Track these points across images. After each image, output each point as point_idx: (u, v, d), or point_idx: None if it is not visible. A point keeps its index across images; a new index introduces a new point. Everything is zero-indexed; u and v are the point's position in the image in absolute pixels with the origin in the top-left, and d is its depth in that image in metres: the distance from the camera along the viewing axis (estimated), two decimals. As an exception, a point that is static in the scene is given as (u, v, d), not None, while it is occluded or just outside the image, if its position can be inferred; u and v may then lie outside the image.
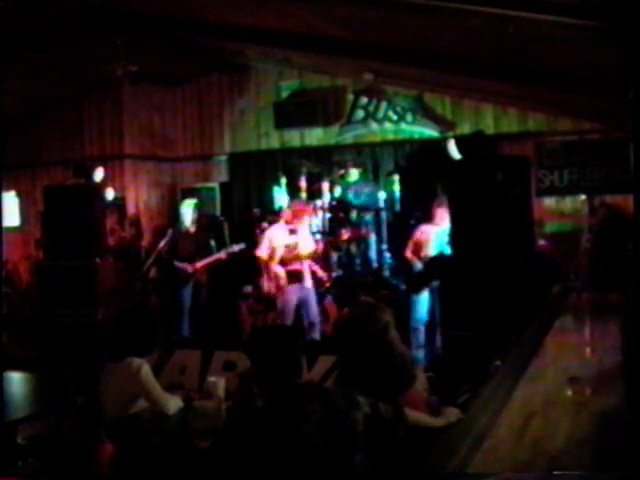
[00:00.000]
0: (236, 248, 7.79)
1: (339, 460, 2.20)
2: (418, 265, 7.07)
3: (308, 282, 7.06)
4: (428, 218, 7.11)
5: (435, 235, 6.90)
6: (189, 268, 7.63)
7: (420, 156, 8.67)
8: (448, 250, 6.53)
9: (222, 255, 7.72)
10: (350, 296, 7.73)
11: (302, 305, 6.99)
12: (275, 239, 7.04)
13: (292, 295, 6.96)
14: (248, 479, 2.23)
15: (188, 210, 7.94)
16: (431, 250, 6.90)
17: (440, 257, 6.56)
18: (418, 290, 6.88)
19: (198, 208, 8.11)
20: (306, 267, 7.05)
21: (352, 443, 2.23)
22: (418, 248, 7.03)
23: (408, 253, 7.15)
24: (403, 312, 7.02)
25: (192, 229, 7.92)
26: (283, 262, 6.97)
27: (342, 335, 2.76)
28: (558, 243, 7.78)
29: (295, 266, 6.98)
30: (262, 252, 7.06)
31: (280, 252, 6.95)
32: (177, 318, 7.60)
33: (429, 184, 8.14)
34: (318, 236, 8.23)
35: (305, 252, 7.00)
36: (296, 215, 7.09)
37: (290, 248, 6.99)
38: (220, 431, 2.53)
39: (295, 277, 6.98)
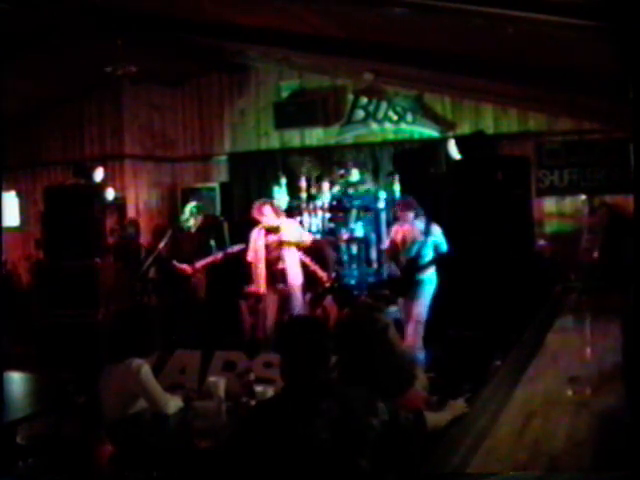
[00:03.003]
0: (235, 248, 7.78)
1: (343, 461, 2.20)
2: (392, 267, 7.04)
3: (293, 282, 7.02)
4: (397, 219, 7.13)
5: (409, 236, 6.83)
6: (188, 269, 7.61)
7: (420, 156, 8.68)
8: (434, 252, 6.51)
9: (219, 255, 7.68)
10: (350, 296, 7.74)
11: (284, 305, 7.01)
12: (253, 241, 7.12)
13: (271, 295, 7.01)
14: (257, 466, 2.24)
15: (190, 213, 7.88)
16: (408, 252, 6.82)
17: (415, 261, 6.52)
18: (401, 295, 6.83)
19: (199, 211, 8.02)
20: (291, 266, 7.02)
21: (360, 447, 2.22)
22: (394, 249, 7.01)
23: (387, 250, 7.18)
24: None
25: (193, 230, 7.91)
26: (268, 262, 7.03)
27: (342, 336, 2.75)
28: (558, 243, 7.78)
29: (278, 266, 7.01)
30: (248, 256, 7.13)
31: (261, 253, 7.03)
32: (176, 318, 7.58)
33: (429, 184, 8.14)
34: (318, 236, 8.24)
35: (287, 249, 6.96)
36: (257, 215, 7.15)
37: (271, 248, 7.03)
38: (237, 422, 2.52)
39: (276, 277, 7.02)
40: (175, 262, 7.65)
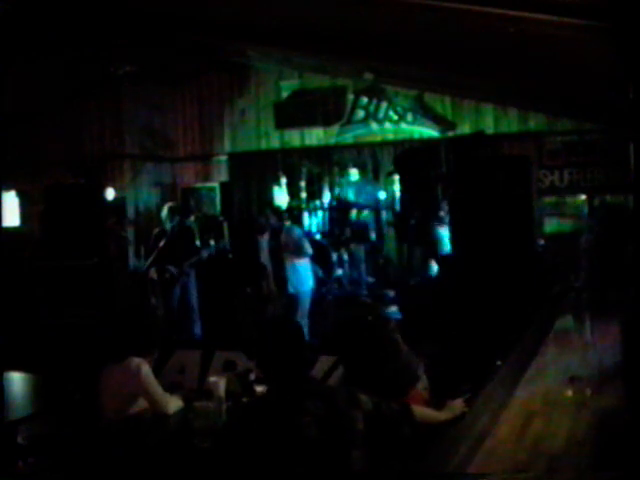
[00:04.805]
0: (224, 246, 7.76)
1: (334, 454, 2.22)
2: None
3: (298, 287, 7.03)
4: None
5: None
6: (174, 270, 7.44)
7: (421, 156, 8.67)
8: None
9: (203, 254, 7.53)
10: (350, 297, 7.74)
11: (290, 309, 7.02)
12: (261, 244, 7.16)
13: (277, 299, 7.08)
14: (246, 465, 2.26)
15: (165, 213, 7.66)
16: None
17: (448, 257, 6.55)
18: None
19: (175, 212, 7.77)
20: (297, 271, 7.03)
21: (349, 440, 2.25)
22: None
23: None
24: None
25: (176, 230, 7.65)
26: (274, 266, 7.10)
27: (350, 336, 2.76)
28: (558, 243, 7.78)
29: (283, 270, 7.04)
30: (258, 258, 7.23)
31: (266, 257, 7.09)
32: (169, 319, 7.48)
33: (429, 184, 8.13)
34: (318, 236, 8.24)
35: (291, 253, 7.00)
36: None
37: (275, 252, 7.08)
38: (225, 423, 2.55)
39: (281, 281, 7.04)
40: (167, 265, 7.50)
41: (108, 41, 7.08)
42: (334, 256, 8.08)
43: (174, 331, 7.40)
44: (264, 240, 7.39)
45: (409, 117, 8.78)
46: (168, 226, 7.52)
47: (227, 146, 9.78)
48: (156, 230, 7.62)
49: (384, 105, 8.86)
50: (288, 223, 7.46)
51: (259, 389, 3.45)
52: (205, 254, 7.41)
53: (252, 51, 8.74)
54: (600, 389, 2.93)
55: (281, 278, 7.11)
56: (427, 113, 8.73)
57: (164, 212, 7.57)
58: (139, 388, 3.30)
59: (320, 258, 7.62)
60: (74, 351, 6.60)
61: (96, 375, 3.47)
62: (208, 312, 7.76)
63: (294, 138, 9.42)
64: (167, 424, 3.29)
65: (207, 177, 9.88)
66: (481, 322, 5.27)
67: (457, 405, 2.70)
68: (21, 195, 9.65)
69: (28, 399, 4.30)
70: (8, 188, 9.40)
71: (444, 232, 6.92)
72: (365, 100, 8.93)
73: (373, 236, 8.38)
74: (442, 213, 7.08)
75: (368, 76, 8.30)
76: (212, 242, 7.97)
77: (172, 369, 4.06)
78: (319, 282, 7.46)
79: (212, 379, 3.44)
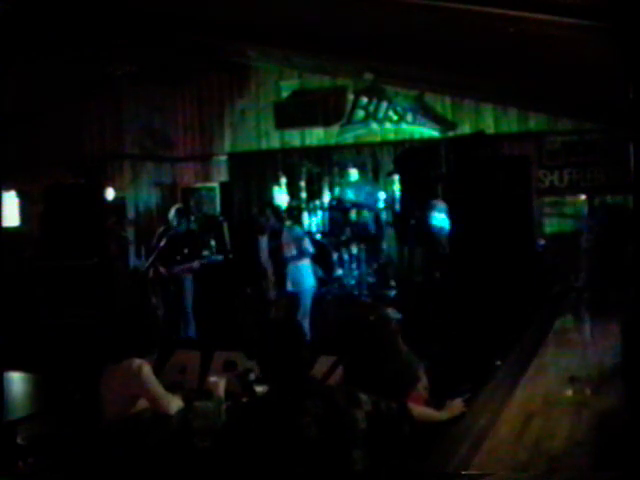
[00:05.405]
0: (218, 257, 7.77)
1: (335, 453, 2.22)
2: None
3: (299, 286, 7.02)
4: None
5: None
6: (165, 272, 7.39)
7: (421, 156, 8.68)
8: None
9: (195, 265, 7.47)
10: (350, 297, 7.74)
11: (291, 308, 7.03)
12: (261, 245, 7.17)
13: (279, 299, 7.09)
14: (246, 465, 2.26)
15: (172, 215, 7.65)
16: None
17: None
18: None
19: (182, 213, 7.76)
20: (297, 271, 7.03)
21: (350, 439, 2.25)
22: None
23: None
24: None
25: (180, 231, 7.63)
26: (275, 266, 7.13)
27: (351, 337, 2.76)
28: (558, 243, 7.78)
29: (283, 270, 7.05)
30: (259, 258, 7.27)
31: (267, 257, 7.10)
32: (169, 319, 7.47)
33: (429, 184, 8.14)
34: (318, 236, 8.24)
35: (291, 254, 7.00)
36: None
37: (275, 252, 7.10)
38: (225, 423, 2.55)
39: (282, 281, 7.05)
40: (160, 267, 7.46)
41: (108, 41, 7.07)
42: (334, 256, 8.09)
43: (173, 331, 7.40)
44: (264, 240, 7.38)
45: (409, 117, 8.77)
46: (174, 226, 7.54)
47: (227, 146, 9.78)
48: (160, 228, 7.63)
49: (384, 105, 8.86)
50: (288, 223, 7.47)
51: (259, 389, 3.45)
52: (197, 265, 7.33)
53: (252, 51, 8.75)
54: (600, 389, 2.93)
55: (281, 278, 7.11)
56: (427, 113, 8.72)
57: (171, 213, 7.60)
58: (141, 389, 3.30)
59: (320, 258, 7.63)
60: (74, 351, 6.61)
61: (96, 376, 3.47)
62: (208, 312, 7.76)
63: (294, 138, 9.42)
64: (167, 424, 3.29)
65: (207, 177, 9.88)
66: (481, 322, 5.27)
67: (457, 405, 2.70)
68: (21, 195, 9.65)
69: (28, 399, 4.30)
70: (8, 188, 9.40)
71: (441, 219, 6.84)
72: (365, 100, 8.92)
73: (373, 236, 8.39)
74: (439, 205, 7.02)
75: (368, 76, 8.30)
76: (212, 242, 7.96)
77: (172, 369, 4.06)
78: (319, 282, 7.47)
79: (212, 379, 3.44)
